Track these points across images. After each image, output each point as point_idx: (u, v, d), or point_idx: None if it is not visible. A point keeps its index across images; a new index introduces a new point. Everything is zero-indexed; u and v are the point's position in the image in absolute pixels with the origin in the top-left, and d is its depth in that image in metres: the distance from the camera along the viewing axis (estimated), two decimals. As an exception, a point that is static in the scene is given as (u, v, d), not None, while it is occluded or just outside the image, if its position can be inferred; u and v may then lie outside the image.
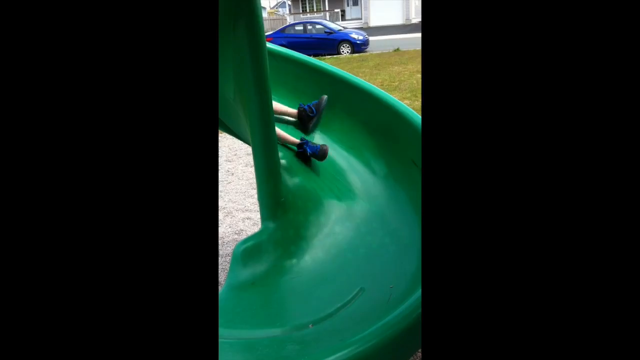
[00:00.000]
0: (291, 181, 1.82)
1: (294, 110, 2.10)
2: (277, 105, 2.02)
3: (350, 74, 2.18)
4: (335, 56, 12.73)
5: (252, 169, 3.99)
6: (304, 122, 2.09)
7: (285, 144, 2.02)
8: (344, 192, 1.90)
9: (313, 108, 2.06)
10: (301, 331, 1.43)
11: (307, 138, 2.06)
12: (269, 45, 1.73)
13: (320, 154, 1.92)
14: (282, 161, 1.84)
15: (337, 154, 2.04)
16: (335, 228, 1.82)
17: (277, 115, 2.03)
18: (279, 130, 1.89)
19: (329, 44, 13.30)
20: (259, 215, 3.17)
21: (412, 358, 1.71)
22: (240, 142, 4.84)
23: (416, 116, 1.86)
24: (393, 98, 2.03)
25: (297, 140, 1.99)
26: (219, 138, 5.04)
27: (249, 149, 4.62)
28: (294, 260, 1.67)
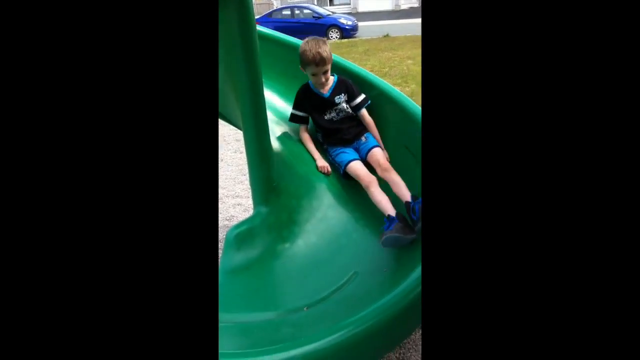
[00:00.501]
0: (283, 165, 1.81)
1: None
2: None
3: (342, 59, 2.16)
4: (323, 42, 12.60)
5: (242, 155, 3.97)
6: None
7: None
8: (336, 176, 1.89)
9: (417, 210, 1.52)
10: (296, 314, 1.44)
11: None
12: (258, 27, 1.70)
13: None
14: (274, 146, 1.83)
15: (329, 138, 2.03)
16: (328, 213, 1.82)
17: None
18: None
19: (317, 29, 13.18)
20: (249, 202, 3.16)
21: (408, 339, 1.73)
22: (228, 128, 4.79)
23: (410, 102, 1.86)
24: (387, 84, 2.02)
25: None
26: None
27: (237, 135, 4.58)
28: (287, 245, 1.67)
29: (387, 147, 1.92)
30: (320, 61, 1.85)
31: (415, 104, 1.85)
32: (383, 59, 8.30)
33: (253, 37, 1.40)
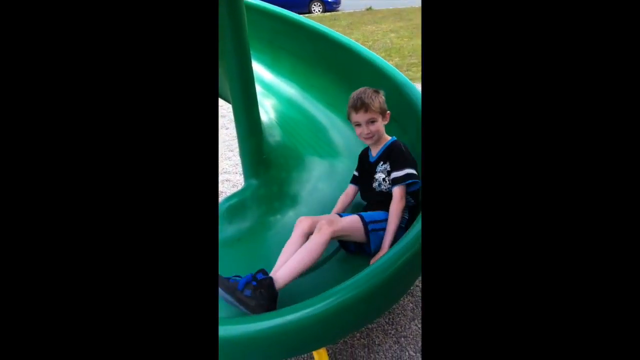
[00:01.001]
0: (272, 138, 1.82)
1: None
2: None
3: (330, 29, 2.14)
4: (306, 15, 12.40)
5: (227, 132, 3.94)
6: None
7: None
8: (326, 149, 1.90)
9: None
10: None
11: None
12: (244, -3, 1.67)
13: None
14: (263, 119, 1.83)
15: (318, 111, 2.03)
16: (318, 185, 1.84)
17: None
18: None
19: (299, 2, 12.90)
20: (237, 177, 3.16)
21: (397, 305, 1.79)
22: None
23: (397, 73, 1.86)
24: (374, 54, 2.02)
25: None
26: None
27: (223, 110, 4.53)
28: (279, 216, 1.69)
29: None
30: (360, 106, 1.54)
31: (401, 74, 1.85)
32: (366, 32, 8.22)
33: (240, 8, 1.38)
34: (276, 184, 1.74)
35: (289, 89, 2.10)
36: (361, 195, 1.69)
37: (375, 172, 1.59)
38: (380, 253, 1.39)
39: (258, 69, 2.21)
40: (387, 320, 1.72)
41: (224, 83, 1.70)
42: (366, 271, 1.17)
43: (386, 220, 1.48)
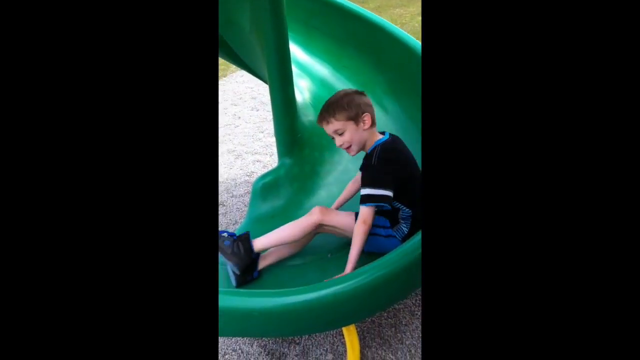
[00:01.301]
0: (306, 118, 1.83)
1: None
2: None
3: (363, 9, 2.12)
4: (336, -3, 12.20)
5: (258, 113, 3.97)
6: None
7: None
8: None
9: None
10: (320, 260, 1.50)
11: None
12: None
13: None
14: (297, 99, 1.84)
15: (350, 92, 2.03)
16: (349, 165, 1.85)
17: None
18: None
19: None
20: (268, 158, 3.20)
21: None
22: (245, 85, 4.77)
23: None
24: (405, 33, 1.99)
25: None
26: (224, 81, 4.97)
27: (253, 92, 4.57)
28: (310, 195, 1.72)
29: (404, 98, 1.86)
30: (320, 120, 1.40)
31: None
32: (395, 15, 8.05)
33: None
34: (309, 164, 1.77)
35: (322, 69, 2.10)
36: None
37: None
38: (344, 273, 1.29)
39: (293, 49, 2.21)
40: (414, 302, 1.74)
41: (261, 63, 1.72)
42: (397, 251, 1.18)
43: (384, 227, 1.42)
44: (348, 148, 1.41)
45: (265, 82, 1.84)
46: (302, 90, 1.99)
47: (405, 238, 1.41)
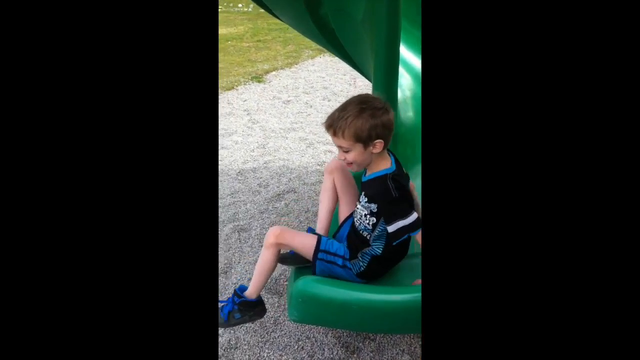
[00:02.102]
0: (404, 114, 1.79)
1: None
2: None
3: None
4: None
5: (330, 103, 3.97)
6: None
7: None
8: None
9: None
10: (410, 260, 1.47)
11: None
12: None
13: None
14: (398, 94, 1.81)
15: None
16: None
17: None
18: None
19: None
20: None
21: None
22: (317, 75, 4.79)
23: None
24: None
25: None
26: (295, 68, 5.01)
27: (325, 82, 4.57)
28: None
29: None
30: (328, 127, 1.24)
31: None
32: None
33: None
34: (402, 160, 1.73)
35: (419, 64, 2.05)
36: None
37: (358, 201, 1.34)
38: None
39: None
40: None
41: (366, 55, 1.69)
42: None
43: (343, 257, 1.32)
44: (348, 166, 1.29)
45: (364, 75, 1.81)
46: (403, 87, 1.96)
47: (361, 275, 1.32)
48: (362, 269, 1.31)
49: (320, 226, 1.55)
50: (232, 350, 1.61)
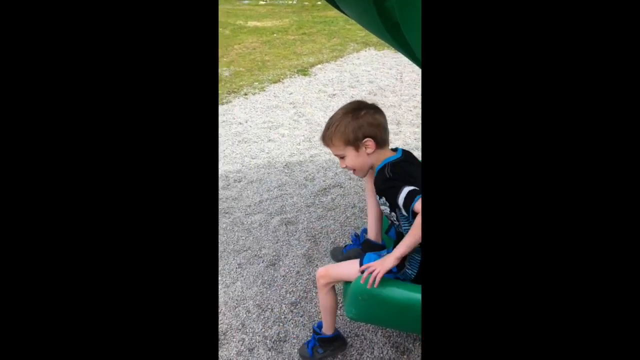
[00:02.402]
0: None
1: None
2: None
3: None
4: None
5: (376, 98, 3.92)
6: None
7: None
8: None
9: None
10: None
11: None
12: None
13: None
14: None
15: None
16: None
17: None
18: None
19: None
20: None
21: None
22: (362, 68, 4.74)
23: None
24: None
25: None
26: (341, 61, 4.97)
27: (370, 76, 4.50)
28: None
29: None
30: (322, 140, 1.33)
31: None
32: None
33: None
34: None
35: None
36: None
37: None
38: (391, 254, 1.16)
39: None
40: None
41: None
42: None
43: (392, 272, 1.23)
44: (353, 173, 1.34)
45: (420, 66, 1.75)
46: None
47: (415, 281, 1.25)
48: (413, 276, 1.26)
49: (371, 232, 1.56)
50: (281, 342, 1.62)
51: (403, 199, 1.15)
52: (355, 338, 1.62)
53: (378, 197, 1.30)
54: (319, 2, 8.68)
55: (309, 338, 1.60)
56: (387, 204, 1.24)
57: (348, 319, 1.69)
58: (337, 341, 1.52)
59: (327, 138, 1.29)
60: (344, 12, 1.67)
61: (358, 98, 3.89)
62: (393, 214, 1.26)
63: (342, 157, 1.29)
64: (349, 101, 1.43)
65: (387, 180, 1.22)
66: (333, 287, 1.38)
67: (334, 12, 7.45)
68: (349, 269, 1.30)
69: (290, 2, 9.18)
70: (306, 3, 8.80)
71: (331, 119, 1.29)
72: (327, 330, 1.48)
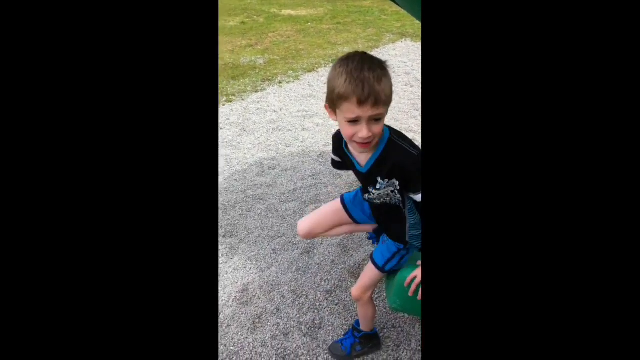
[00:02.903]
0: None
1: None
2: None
3: None
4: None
5: (413, 89, 3.85)
6: None
7: None
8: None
9: None
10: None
11: None
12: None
13: None
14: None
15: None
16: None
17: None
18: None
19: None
20: (419, 137, 3.11)
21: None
22: (398, 59, 4.67)
23: None
24: None
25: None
26: (376, 52, 4.91)
27: (407, 67, 4.43)
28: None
29: None
30: (368, 96, 0.96)
31: None
32: None
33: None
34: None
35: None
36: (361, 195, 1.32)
37: (372, 188, 1.16)
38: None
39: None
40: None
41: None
42: None
43: (398, 251, 1.25)
44: (367, 144, 1.04)
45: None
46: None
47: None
48: (419, 247, 1.27)
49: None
50: (317, 329, 1.62)
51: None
52: (392, 330, 1.61)
53: (383, 180, 1.12)
54: (354, -8, 8.58)
55: (344, 326, 1.60)
56: (396, 187, 1.12)
57: (382, 311, 1.67)
58: (376, 339, 1.53)
59: (378, 95, 0.97)
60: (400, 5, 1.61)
61: (397, 88, 3.83)
62: (398, 196, 1.15)
63: (377, 119, 1.01)
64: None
65: (411, 163, 1.07)
66: (371, 297, 1.39)
67: (369, 2, 7.35)
68: (372, 274, 1.30)
69: (325, -9, 9.08)
70: (341, -8, 8.70)
71: (372, 71, 0.97)
72: (366, 327, 1.48)
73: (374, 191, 1.17)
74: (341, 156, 1.25)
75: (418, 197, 1.11)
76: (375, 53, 4.92)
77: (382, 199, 1.19)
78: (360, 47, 5.16)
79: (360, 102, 0.96)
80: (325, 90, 1.08)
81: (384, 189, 1.14)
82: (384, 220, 1.30)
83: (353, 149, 1.15)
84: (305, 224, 1.42)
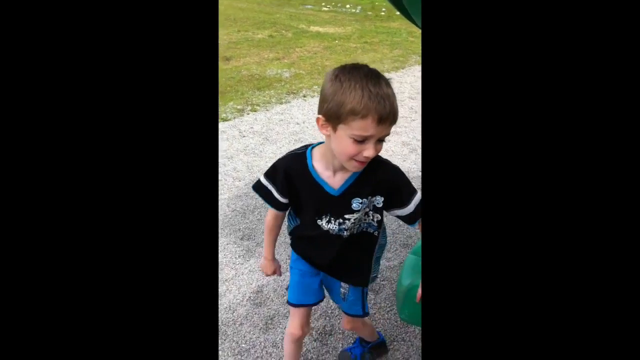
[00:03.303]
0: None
1: None
2: None
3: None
4: None
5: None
6: None
7: None
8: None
9: None
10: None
11: None
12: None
13: None
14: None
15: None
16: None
17: None
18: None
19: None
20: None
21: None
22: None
23: None
24: None
25: None
26: (401, 73, 4.97)
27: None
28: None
29: None
30: (387, 116, 0.91)
31: None
32: None
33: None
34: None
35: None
36: (296, 227, 1.21)
37: (347, 213, 1.06)
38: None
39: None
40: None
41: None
42: None
43: (362, 291, 1.26)
44: (363, 164, 0.99)
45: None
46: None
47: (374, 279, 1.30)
48: (376, 274, 1.28)
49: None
50: (327, 335, 1.65)
51: (415, 205, 1.06)
52: (402, 342, 1.62)
53: (365, 198, 1.06)
54: (383, 13, 8.73)
55: (354, 335, 1.62)
56: (379, 206, 1.08)
57: (392, 324, 1.69)
58: (383, 346, 1.58)
59: (397, 110, 0.94)
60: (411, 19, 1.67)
61: (420, 109, 3.86)
62: (377, 215, 1.11)
63: (382, 141, 0.97)
64: (401, 111, 1.23)
65: (401, 175, 1.05)
66: (365, 321, 1.44)
67: (397, 23, 7.47)
68: (361, 321, 1.39)
69: (354, 10, 9.27)
70: (369, 13, 8.87)
71: (388, 87, 0.94)
72: (372, 339, 1.54)
73: (350, 216, 1.07)
74: (297, 188, 1.10)
75: (404, 211, 1.07)
76: (400, 74, 4.98)
77: (356, 226, 1.10)
78: (386, 67, 5.24)
79: (380, 120, 0.90)
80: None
81: (362, 210, 1.08)
82: (344, 263, 1.18)
83: (340, 168, 1.04)
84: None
